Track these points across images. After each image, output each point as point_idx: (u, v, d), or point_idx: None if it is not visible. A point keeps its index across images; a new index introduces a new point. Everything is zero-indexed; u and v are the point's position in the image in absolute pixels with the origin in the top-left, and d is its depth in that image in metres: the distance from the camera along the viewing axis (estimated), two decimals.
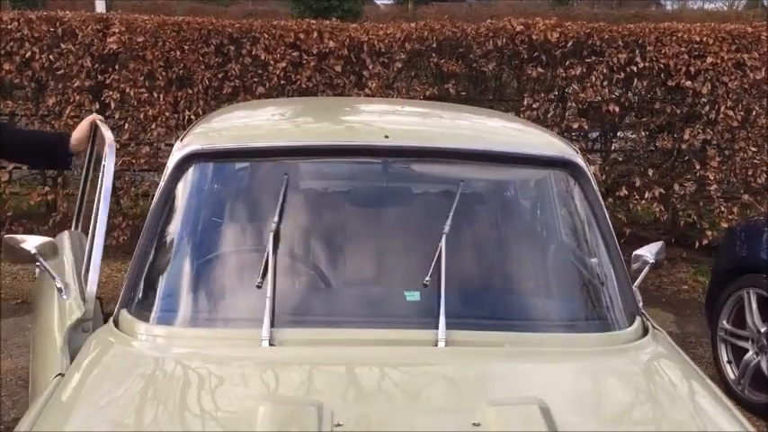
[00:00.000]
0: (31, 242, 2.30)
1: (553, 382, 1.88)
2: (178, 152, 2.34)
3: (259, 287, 1.99)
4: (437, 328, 1.94)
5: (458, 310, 2.04)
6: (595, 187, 2.40)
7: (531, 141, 2.50)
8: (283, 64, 5.54)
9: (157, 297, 2.13)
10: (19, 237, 2.34)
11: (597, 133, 6.09)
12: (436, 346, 1.91)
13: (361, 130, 2.59)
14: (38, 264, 2.28)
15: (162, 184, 2.33)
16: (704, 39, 5.56)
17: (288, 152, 2.32)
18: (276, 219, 2.33)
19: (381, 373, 1.85)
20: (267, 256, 2.13)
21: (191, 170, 2.31)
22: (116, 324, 2.07)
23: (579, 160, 2.39)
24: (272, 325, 1.95)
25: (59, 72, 5.49)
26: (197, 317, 2.10)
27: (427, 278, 1.97)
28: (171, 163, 2.34)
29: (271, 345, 1.91)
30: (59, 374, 1.93)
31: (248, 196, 2.42)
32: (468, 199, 2.36)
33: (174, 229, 2.28)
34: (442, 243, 2.01)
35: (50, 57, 5.45)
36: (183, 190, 2.31)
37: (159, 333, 2.01)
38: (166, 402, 1.73)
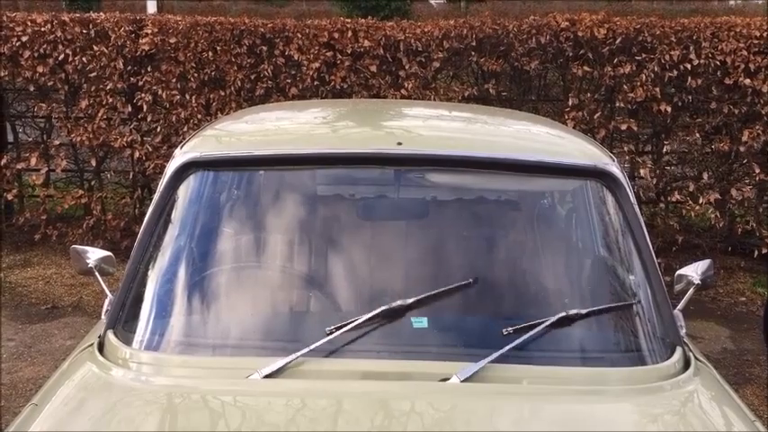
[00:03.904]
0: (92, 255, 2.32)
1: (575, 428, 1.63)
2: (176, 160, 2.18)
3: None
4: (446, 359, 1.73)
5: (471, 338, 1.82)
6: (633, 199, 2.14)
7: (559, 149, 2.26)
8: (317, 64, 5.37)
9: (143, 320, 1.96)
10: (84, 248, 2.37)
11: (648, 135, 5.76)
12: (445, 381, 1.69)
13: (372, 136, 2.39)
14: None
15: (158, 194, 2.18)
16: (765, 34, 5.19)
17: (292, 161, 2.14)
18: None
19: (377, 414, 1.64)
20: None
21: (188, 180, 2.15)
22: (101, 347, 1.91)
23: (614, 169, 2.14)
24: (265, 354, 1.77)
25: (92, 74, 5.44)
26: (185, 342, 1.92)
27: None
28: (168, 171, 2.19)
29: (265, 377, 1.72)
30: (33, 404, 1.78)
31: (249, 209, 2.25)
32: (486, 212, 2.15)
33: (168, 244, 2.12)
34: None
35: (83, 59, 5.40)
36: (179, 201, 2.15)
37: (143, 360, 1.84)
38: None
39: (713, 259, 2.46)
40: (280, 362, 1.71)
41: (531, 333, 1.78)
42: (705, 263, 2.33)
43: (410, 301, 1.84)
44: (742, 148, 5.35)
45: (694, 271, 2.29)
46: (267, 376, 1.71)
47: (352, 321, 1.79)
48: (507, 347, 1.73)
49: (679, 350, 1.90)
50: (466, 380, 1.69)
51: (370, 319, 1.80)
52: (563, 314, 1.83)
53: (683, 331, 2.02)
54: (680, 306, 2.16)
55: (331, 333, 1.77)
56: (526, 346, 1.85)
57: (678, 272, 2.32)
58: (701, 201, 5.34)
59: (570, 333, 1.94)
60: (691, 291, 2.25)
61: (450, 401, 1.67)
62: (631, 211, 2.09)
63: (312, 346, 1.73)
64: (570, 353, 1.87)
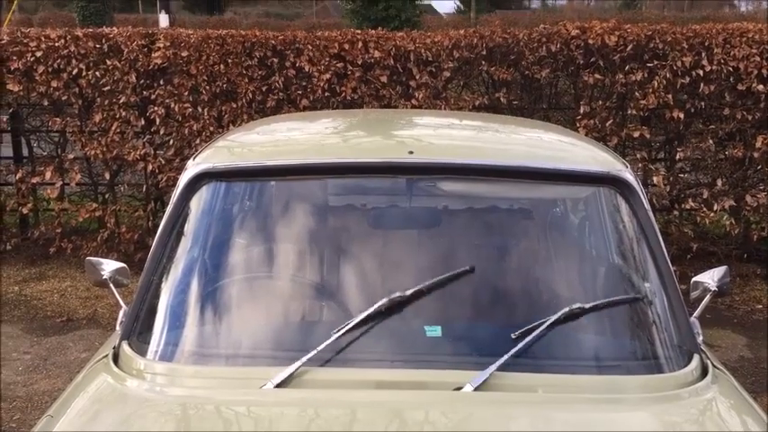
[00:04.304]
0: (106, 267, 2.33)
1: None
2: (189, 171, 2.19)
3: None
4: (460, 368, 1.72)
5: (484, 346, 1.81)
6: (647, 206, 2.13)
7: (572, 156, 2.25)
8: (328, 75, 5.39)
9: (158, 330, 1.97)
10: (98, 260, 2.38)
11: (660, 142, 5.73)
12: (459, 389, 1.68)
13: (383, 145, 2.39)
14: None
15: (171, 205, 2.19)
16: None
17: (304, 171, 2.14)
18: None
19: (391, 423, 1.63)
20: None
21: (201, 191, 2.16)
22: (115, 358, 1.92)
23: (627, 176, 2.13)
24: (278, 363, 1.77)
25: (106, 88, 5.49)
26: (199, 353, 1.92)
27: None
28: (181, 183, 2.20)
29: (277, 386, 1.72)
30: (49, 416, 1.79)
31: (261, 220, 2.25)
32: (499, 220, 2.14)
33: (182, 255, 2.12)
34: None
35: (97, 73, 5.45)
36: (192, 212, 2.16)
37: (157, 370, 1.84)
38: None
39: (729, 266, 2.44)
40: (289, 369, 1.71)
41: (538, 332, 1.77)
42: (721, 269, 2.31)
43: (409, 293, 1.83)
44: (756, 155, 5.32)
45: (710, 278, 2.27)
46: (278, 385, 1.70)
47: (353, 321, 1.79)
48: (514, 350, 1.73)
49: (696, 357, 1.88)
50: (478, 388, 1.68)
51: (373, 317, 1.80)
52: (566, 309, 1.83)
53: (699, 338, 2.00)
54: (696, 313, 2.14)
55: (336, 333, 1.76)
56: (541, 355, 1.84)
57: (694, 279, 2.30)
58: (715, 208, 5.31)
59: (585, 340, 1.92)
60: (707, 298, 2.23)
61: (465, 411, 1.66)
62: (646, 217, 2.08)
63: (318, 348, 1.74)
64: (586, 361, 1.86)
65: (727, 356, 4.44)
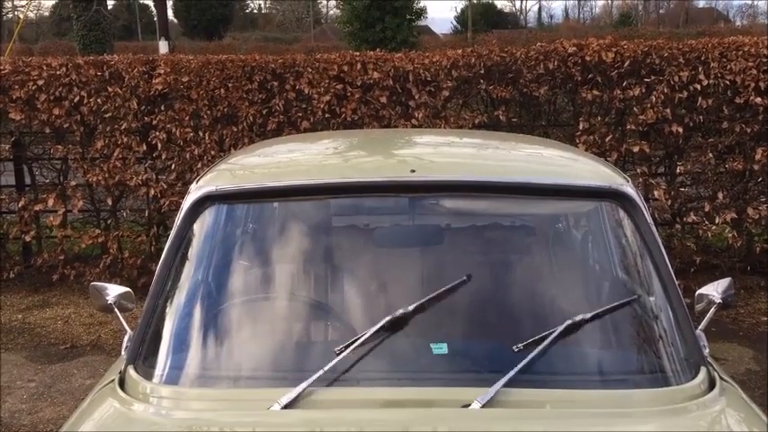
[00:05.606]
0: (111, 292, 2.36)
1: None
2: (192, 195, 2.20)
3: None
4: (467, 385, 1.72)
5: (490, 363, 1.81)
6: (649, 219, 2.13)
7: (573, 171, 2.26)
8: (327, 97, 5.43)
9: (163, 354, 1.97)
10: (103, 285, 2.40)
11: (660, 156, 5.75)
12: (467, 406, 1.68)
13: (385, 164, 2.40)
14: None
15: (175, 229, 2.20)
16: None
17: (306, 191, 2.15)
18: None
19: None
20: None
21: (204, 214, 2.17)
22: (122, 383, 1.92)
23: (629, 190, 2.13)
24: (285, 384, 1.76)
25: (107, 115, 5.53)
26: (205, 375, 1.92)
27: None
28: (184, 206, 2.21)
29: (284, 407, 1.71)
30: None
31: (265, 241, 2.25)
32: (502, 236, 2.15)
33: (187, 278, 2.13)
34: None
35: (98, 100, 5.49)
36: (196, 235, 2.16)
37: (162, 394, 1.84)
38: None
39: (732, 279, 2.44)
40: (296, 389, 1.71)
41: (545, 348, 1.77)
42: (725, 281, 2.31)
43: (414, 310, 1.84)
44: (756, 167, 5.34)
45: (715, 290, 2.27)
46: (285, 406, 1.70)
47: (359, 338, 1.80)
48: (521, 365, 1.73)
49: (703, 370, 1.87)
50: (486, 405, 1.67)
51: (378, 335, 1.80)
52: (569, 322, 1.83)
53: (706, 351, 2.00)
54: (702, 326, 2.14)
55: (340, 353, 1.77)
56: (548, 370, 1.83)
57: (698, 291, 2.30)
58: (717, 221, 5.32)
59: (592, 355, 1.92)
60: (712, 310, 2.22)
61: (474, 428, 1.66)
62: (648, 230, 2.08)
63: (324, 368, 1.73)
64: (593, 375, 1.85)
65: (734, 369, 4.41)
